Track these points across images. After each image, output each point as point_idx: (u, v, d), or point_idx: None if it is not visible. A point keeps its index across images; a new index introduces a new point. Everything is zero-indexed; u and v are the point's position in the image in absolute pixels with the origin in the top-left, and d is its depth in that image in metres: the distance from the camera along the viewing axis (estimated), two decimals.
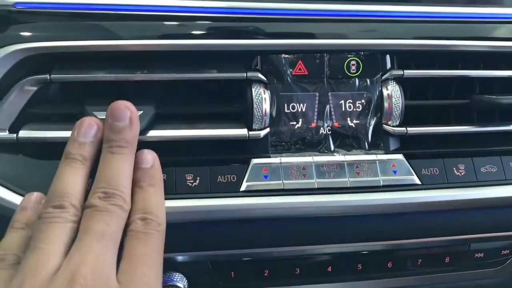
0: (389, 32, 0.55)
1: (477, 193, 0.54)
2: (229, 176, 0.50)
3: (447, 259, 0.60)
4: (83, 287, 0.36)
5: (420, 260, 0.59)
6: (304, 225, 0.52)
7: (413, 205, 0.52)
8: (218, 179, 0.50)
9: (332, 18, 0.54)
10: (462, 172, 0.54)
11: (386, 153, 0.54)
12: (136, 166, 0.45)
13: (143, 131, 0.49)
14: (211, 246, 0.52)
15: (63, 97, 0.52)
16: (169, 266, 0.52)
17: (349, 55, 0.54)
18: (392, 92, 0.54)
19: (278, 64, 0.52)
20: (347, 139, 0.54)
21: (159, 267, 0.42)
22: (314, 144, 0.54)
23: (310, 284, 0.58)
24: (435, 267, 0.60)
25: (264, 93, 0.52)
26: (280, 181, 0.51)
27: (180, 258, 0.53)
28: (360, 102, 0.54)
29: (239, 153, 0.52)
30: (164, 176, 0.48)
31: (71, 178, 0.43)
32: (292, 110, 0.53)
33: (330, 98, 0.54)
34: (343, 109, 0.54)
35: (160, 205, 0.44)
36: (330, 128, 0.54)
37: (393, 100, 0.54)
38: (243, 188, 0.50)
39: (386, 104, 0.54)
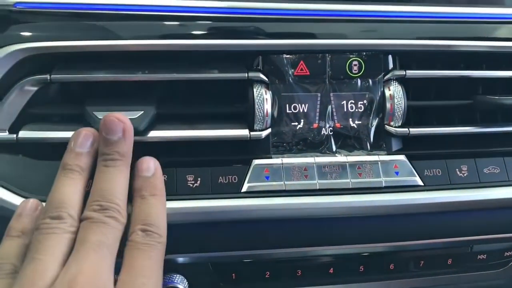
0: (391, 32, 0.54)
1: (480, 194, 0.54)
2: (230, 177, 0.50)
3: (449, 261, 0.60)
4: None
5: (423, 261, 0.59)
6: (305, 226, 0.52)
7: (416, 207, 0.52)
8: (219, 180, 0.50)
9: (334, 18, 0.53)
10: (465, 173, 0.54)
11: (388, 154, 0.54)
12: (137, 174, 0.46)
13: (143, 132, 0.49)
14: (212, 247, 0.52)
15: (63, 98, 0.52)
16: (169, 268, 0.52)
17: (351, 55, 0.53)
18: (394, 92, 0.53)
19: (280, 64, 0.52)
20: (349, 140, 0.54)
21: (159, 278, 0.42)
22: (316, 144, 0.54)
23: (311, 286, 0.58)
24: (437, 268, 0.60)
25: (266, 94, 0.51)
26: (282, 182, 0.50)
27: (180, 259, 0.53)
28: (362, 102, 0.54)
29: (240, 153, 0.52)
30: (165, 177, 0.48)
31: (69, 189, 0.43)
32: (293, 111, 0.53)
33: (332, 98, 0.53)
34: (345, 110, 0.54)
35: (162, 216, 0.44)
36: (332, 128, 0.54)
37: (395, 100, 0.53)
38: (244, 189, 0.50)
39: (388, 105, 0.53)
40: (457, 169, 0.54)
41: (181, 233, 0.48)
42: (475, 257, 0.60)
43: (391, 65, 0.55)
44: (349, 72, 0.53)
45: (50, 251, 0.39)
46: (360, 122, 0.54)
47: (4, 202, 0.47)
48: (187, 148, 0.51)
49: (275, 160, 0.51)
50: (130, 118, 0.47)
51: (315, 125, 0.53)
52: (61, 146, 0.46)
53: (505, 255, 0.62)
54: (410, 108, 0.54)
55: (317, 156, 0.53)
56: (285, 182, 0.50)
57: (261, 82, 0.52)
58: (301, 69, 0.53)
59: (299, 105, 0.53)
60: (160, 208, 0.45)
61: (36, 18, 0.50)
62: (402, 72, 0.54)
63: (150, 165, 0.46)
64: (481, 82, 0.58)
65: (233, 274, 0.55)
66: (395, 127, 0.54)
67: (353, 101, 0.54)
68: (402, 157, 0.54)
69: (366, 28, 0.54)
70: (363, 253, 0.57)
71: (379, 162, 0.53)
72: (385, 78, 0.54)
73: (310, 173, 0.51)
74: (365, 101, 0.54)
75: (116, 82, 0.50)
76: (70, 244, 0.41)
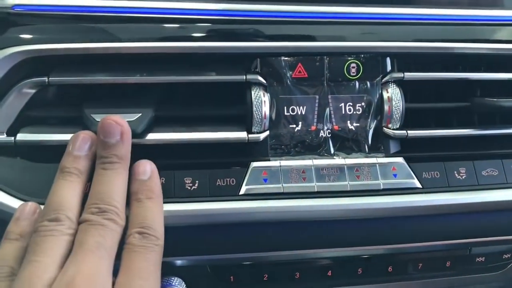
0: (390, 34, 0.54)
1: (478, 196, 0.53)
2: (228, 179, 0.50)
3: (448, 263, 0.60)
4: None
5: (421, 264, 0.59)
6: (303, 229, 0.52)
7: (414, 209, 0.52)
8: (218, 183, 0.50)
9: (332, 21, 0.54)
10: (463, 175, 0.54)
11: (386, 156, 0.54)
12: (134, 178, 0.46)
13: (141, 134, 0.49)
14: (210, 250, 0.52)
15: (61, 100, 0.52)
16: (167, 270, 0.52)
17: (349, 58, 0.53)
18: (393, 94, 0.53)
19: (278, 66, 0.52)
20: (347, 142, 0.54)
21: (156, 281, 0.42)
22: (314, 147, 0.54)
23: None
24: (436, 271, 0.60)
25: (264, 96, 0.51)
26: (280, 185, 0.50)
27: (179, 262, 0.53)
28: (360, 105, 0.54)
29: (238, 156, 0.52)
30: (163, 179, 0.48)
31: (67, 192, 0.43)
32: (291, 113, 0.53)
33: (330, 101, 0.53)
34: (343, 112, 0.54)
35: (159, 219, 0.44)
36: (330, 131, 0.54)
37: (394, 103, 0.53)
38: (242, 191, 0.50)
39: (386, 107, 0.53)
40: (455, 172, 0.54)
41: (179, 236, 0.48)
42: (474, 260, 0.60)
43: (389, 67, 0.54)
44: (347, 75, 0.53)
45: (48, 253, 0.39)
46: (358, 124, 0.54)
47: (2, 205, 0.47)
48: (185, 151, 0.51)
49: (273, 163, 0.51)
50: (128, 121, 0.47)
51: (313, 128, 0.53)
52: (59, 149, 0.46)
53: (503, 257, 0.61)
54: (408, 110, 0.54)
55: (315, 158, 0.53)
56: (283, 184, 0.50)
57: (259, 84, 0.52)
58: (299, 72, 0.53)
59: (297, 107, 0.53)
60: (156, 211, 0.45)
61: (35, 21, 0.50)
62: (400, 74, 0.54)
63: (146, 168, 0.46)
64: (479, 84, 0.58)
65: (231, 277, 0.55)
66: (393, 129, 0.54)
67: (351, 104, 0.54)
68: (400, 160, 0.53)
69: (364, 30, 0.54)
70: (361, 255, 0.57)
71: (377, 165, 0.53)
72: (383, 80, 0.54)
73: (308, 176, 0.51)
74: (363, 104, 0.54)
75: (114, 85, 0.50)
76: (68, 246, 0.41)
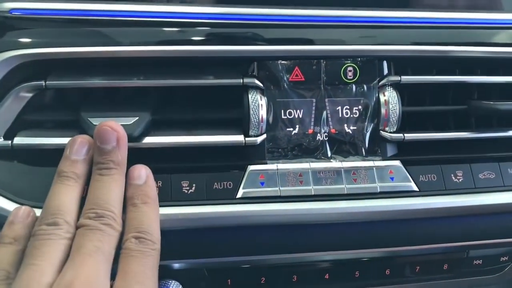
0: (386, 38, 0.55)
1: (475, 199, 0.54)
2: (225, 182, 0.50)
3: (445, 266, 0.60)
4: None
5: (418, 267, 0.59)
6: (300, 232, 0.52)
7: (411, 212, 0.52)
8: (214, 186, 0.50)
9: (329, 24, 0.54)
10: (460, 178, 0.54)
11: (383, 160, 0.54)
12: (129, 182, 0.46)
13: (138, 138, 0.49)
14: (207, 253, 0.52)
15: (59, 104, 0.52)
16: (165, 274, 0.52)
17: (346, 61, 0.53)
18: (389, 98, 0.53)
19: (275, 70, 0.52)
20: (344, 146, 0.54)
21: (154, 285, 0.42)
22: (311, 150, 0.54)
23: None
24: (433, 274, 0.60)
25: (261, 99, 0.51)
26: (277, 188, 0.50)
27: (176, 265, 0.53)
28: (357, 108, 0.54)
29: (235, 159, 0.52)
30: (160, 183, 0.48)
31: (65, 196, 0.43)
32: (289, 116, 0.53)
33: (327, 104, 0.54)
34: (340, 115, 0.54)
35: (154, 224, 0.44)
36: (327, 134, 0.54)
37: (390, 106, 0.53)
38: (239, 195, 0.50)
39: (383, 110, 0.54)
40: (452, 175, 0.54)
41: (176, 239, 0.48)
42: (471, 263, 0.60)
43: (386, 71, 0.55)
44: (344, 78, 0.54)
45: (46, 257, 0.40)
46: (355, 127, 0.54)
47: None
48: (182, 154, 0.51)
49: (270, 166, 0.52)
50: (125, 125, 0.47)
51: (310, 131, 0.54)
52: (56, 153, 0.46)
53: (501, 260, 0.61)
54: (405, 114, 0.54)
55: (312, 161, 0.53)
56: (280, 188, 0.50)
57: (256, 88, 0.52)
58: (296, 75, 0.53)
59: (294, 110, 0.53)
60: (152, 216, 0.45)
61: (32, 25, 0.50)
62: (397, 78, 0.54)
63: (142, 173, 0.46)
64: (476, 87, 0.59)
65: (229, 280, 0.55)
66: (390, 132, 0.54)
67: (348, 107, 0.54)
68: (397, 163, 0.54)
69: (361, 34, 0.54)
70: (358, 258, 0.57)
71: (374, 168, 0.53)
72: (380, 83, 0.54)
73: (305, 179, 0.51)
74: (360, 107, 0.54)
75: (112, 88, 0.50)
76: (66, 250, 0.41)
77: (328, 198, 0.51)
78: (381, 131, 0.54)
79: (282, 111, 0.53)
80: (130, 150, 0.47)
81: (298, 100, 0.53)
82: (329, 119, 0.54)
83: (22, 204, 0.47)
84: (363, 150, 0.54)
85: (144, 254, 0.42)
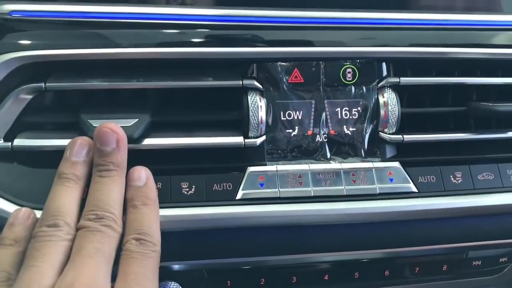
0: (385, 39, 0.55)
1: (474, 200, 0.54)
2: (225, 184, 0.50)
3: (444, 267, 0.60)
4: None
5: (418, 268, 0.59)
6: (300, 234, 0.52)
7: (410, 213, 0.52)
8: (214, 187, 0.50)
9: (328, 26, 0.54)
10: (459, 179, 0.54)
11: (382, 161, 0.54)
12: (129, 184, 0.46)
13: (138, 139, 0.49)
14: (207, 254, 0.52)
15: (58, 105, 0.52)
16: (164, 275, 0.52)
17: (345, 63, 0.54)
18: (388, 99, 0.54)
19: (274, 72, 0.52)
20: (343, 147, 0.54)
21: (154, 286, 0.42)
22: (311, 151, 0.54)
23: None
24: (432, 275, 0.60)
25: (260, 101, 0.52)
26: (276, 189, 0.50)
27: (176, 266, 0.53)
28: (356, 109, 0.54)
29: (235, 161, 0.52)
30: (159, 184, 0.48)
31: (65, 197, 0.43)
32: (288, 118, 0.53)
33: (326, 105, 0.54)
34: (339, 117, 0.54)
35: (155, 225, 0.44)
36: (326, 135, 0.54)
37: (389, 107, 0.53)
38: (239, 196, 0.50)
39: (382, 112, 0.54)
40: (451, 176, 0.54)
41: (176, 241, 0.48)
42: (470, 263, 0.60)
43: (385, 72, 0.55)
44: (343, 80, 0.54)
45: (46, 258, 0.40)
46: (354, 129, 0.54)
47: None
48: (182, 156, 0.51)
49: (270, 167, 0.52)
50: (124, 126, 0.47)
51: (310, 132, 0.54)
52: (56, 154, 0.46)
53: (500, 261, 0.62)
54: (404, 115, 0.54)
55: (311, 163, 0.53)
56: (279, 189, 0.50)
57: (255, 89, 0.52)
58: (296, 77, 0.53)
59: (294, 112, 0.53)
60: (152, 217, 0.45)
61: (32, 27, 0.50)
62: (396, 79, 0.54)
63: (142, 174, 0.46)
64: (475, 88, 0.59)
65: (228, 281, 0.55)
66: (389, 134, 0.54)
67: (347, 108, 0.54)
68: (396, 164, 0.54)
69: (360, 35, 0.54)
70: (358, 259, 0.57)
71: (373, 169, 0.53)
72: (379, 85, 0.54)
73: (305, 180, 0.51)
74: (359, 108, 0.54)
75: (111, 90, 0.50)
76: (67, 252, 0.41)
77: (327, 199, 0.51)
78: (380, 133, 0.54)
79: (282, 112, 0.53)
80: (130, 152, 0.47)
81: (297, 101, 0.53)
82: (328, 120, 0.54)
83: (22, 205, 0.47)
84: (362, 151, 0.54)
85: (144, 256, 0.42)
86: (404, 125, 0.56)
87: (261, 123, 0.51)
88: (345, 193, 0.51)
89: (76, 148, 0.45)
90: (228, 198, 0.50)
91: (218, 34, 0.52)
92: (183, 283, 0.53)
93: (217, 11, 0.53)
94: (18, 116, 0.49)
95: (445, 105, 0.58)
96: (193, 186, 0.49)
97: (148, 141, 0.49)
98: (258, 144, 0.52)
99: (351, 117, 0.54)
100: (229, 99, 0.53)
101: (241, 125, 0.52)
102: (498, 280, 0.63)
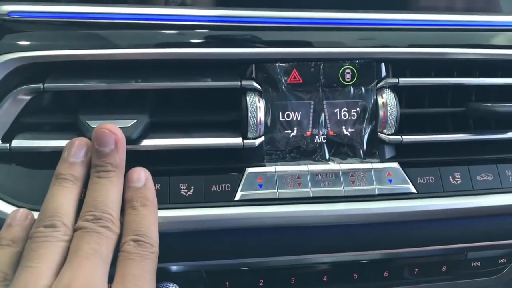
0: (384, 40, 0.55)
1: (473, 201, 0.54)
2: (223, 185, 0.50)
3: (443, 268, 0.60)
4: None
5: (417, 269, 0.59)
6: (298, 235, 0.52)
7: (409, 214, 0.52)
8: (213, 188, 0.50)
9: (327, 27, 0.54)
10: (458, 180, 0.54)
11: (381, 162, 0.54)
12: (128, 185, 0.46)
13: (137, 140, 0.49)
14: (206, 255, 0.52)
15: (57, 106, 0.52)
16: (163, 276, 0.52)
17: (344, 64, 0.54)
18: (387, 100, 0.54)
19: (273, 72, 0.52)
20: (342, 148, 0.54)
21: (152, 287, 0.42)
22: (309, 152, 0.54)
23: None
24: (431, 276, 0.60)
25: (259, 102, 0.52)
26: (275, 190, 0.50)
27: (174, 267, 0.53)
28: (355, 110, 0.54)
29: (233, 162, 0.52)
30: (158, 185, 0.48)
31: (62, 198, 0.43)
32: (287, 119, 0.53)
33: (325, 106, 0.54)
34: (338, 118, 0.54)
35: (153, 227, 0.44)
36: (325, 136, 0.54)
37: (388, 108, 0.53)
38: (237, 197, 0.50)
39: (381, 112, 0.54)
40: (450, 177, 0.54)
41: (174, 242, 0.48)
42: (469, 264, 0.60)
43: (384, 73, 0.55)
44: (342, 80, 0.54)
45: (43, 259, 0.39)
46: (353, 129, 0.54)
47: None
48: (181, 157, 0.51)
49: (269, 168, 0.52)
50: (123, 127, 0.47)
51: (308, 133, 0.54)
52: (54, 155, 0.46)
53: (499, 262, 0.62)
54: (403, 116, 0.54)
55: (310, 164, 0.53)
56: (278, 190, 0.50)
57: (254, 90, 0.52)
58: (294, 77, 0.53)
59: (292, 113, 0.53)
60: (151, 219, 0.45)
61: (30, 27, 0.50)
62: (395, 80, 0.54)
63: (141, 175, 0.46)
64: (474, 89, 0.59)
65: (227, 283, 0.55)
66: (388, 134, 0.54)
67: (346, 109, 0.54)
68: (395, 165, 0.54)
69: (358, 36, 0.54)
70: (357, 260, 0.57)
71: (372, 170, 0.53)
72: (378, 86, 0.54)
73: (304, 181, 0.51)
74: (358, 109, 0.54)
75: (110, 91, 0.50)
76: (64, 253, 0.41)
77: (326, 200, 0.51)
78: (379, 133, 0.54)
79: (280, 113, 0.53)
80: (128, 153, 0.47)
81: (296, 102, 0.53)
82: (327, 121, 0.54)
83: (20, 206, 0.47)
84: (361, 152, 0.54)
85: (142, 257, 0.42)
86: (403, 126, 0.56)
87: (260, 124, 0.51)
88: (344, 194, 0.51)
89: (74, 149, 0.45)
90: (227, 199, 0.50)
91: (217, 35, 0.52)
92: (181, 285, 0.53)
93: (216, 12, 0.53)
94: (17, 117, 0.49)
95: (444, 106, 0.58)
96: (192, 187, 0.49)
97: (147, 142, 0.49)
98: (256, 145, 0.52)
99: (350, 117, 0.54)
100: (228, 100, 0.53)
101: (239, 126, 0.52)
102: (497, 281, 0.63)
